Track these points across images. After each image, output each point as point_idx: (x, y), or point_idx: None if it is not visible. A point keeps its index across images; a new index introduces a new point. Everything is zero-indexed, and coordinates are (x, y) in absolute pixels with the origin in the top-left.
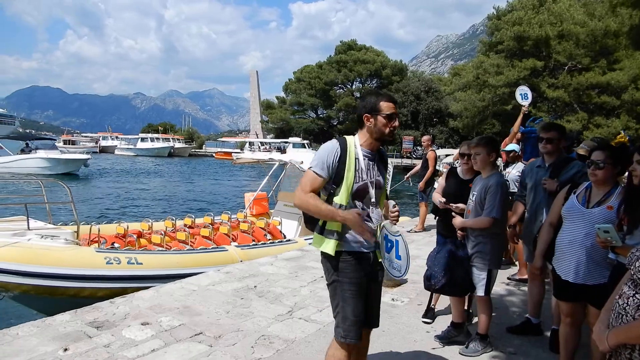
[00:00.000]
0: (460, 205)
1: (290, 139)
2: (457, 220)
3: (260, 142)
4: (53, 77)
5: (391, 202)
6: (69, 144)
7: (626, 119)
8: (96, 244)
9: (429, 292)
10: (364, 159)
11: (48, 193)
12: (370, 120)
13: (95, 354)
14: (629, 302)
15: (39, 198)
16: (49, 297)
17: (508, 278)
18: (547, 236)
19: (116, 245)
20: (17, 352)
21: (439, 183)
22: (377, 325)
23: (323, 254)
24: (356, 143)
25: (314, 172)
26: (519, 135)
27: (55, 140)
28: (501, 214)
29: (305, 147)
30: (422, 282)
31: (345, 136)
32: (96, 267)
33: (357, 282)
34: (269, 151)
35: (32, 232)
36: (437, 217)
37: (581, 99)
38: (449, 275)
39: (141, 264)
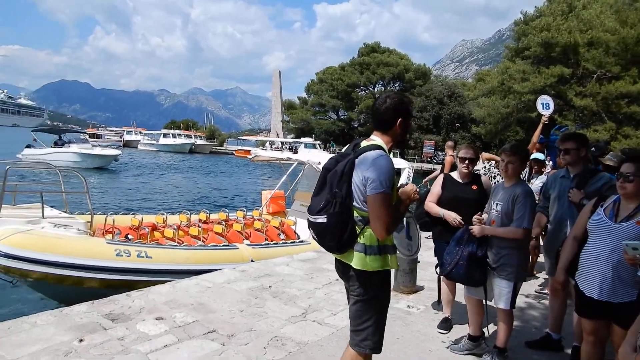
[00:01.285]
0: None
1: (302, 139)
2: (486, 229)
3: (281, 142)
4: (82, 72)
5: (407, 185)
6: (94, 138)
7: None
8: (110, 235)
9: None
10: None
11: (71, 184)
12: (402, 124)
13: (110, 346)
14: None
15: (57, 187)
16: (61, 285)
17: (536, 291)
18: (570, 250)
19: (130, 236)
20: (34, 340)
21: (432, 191)
22: None
23: (362, 270)
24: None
25: (389, 193)
26: (538, 145)
27: (83, 133)
28: (531, 224)
29: (316, 147)
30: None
31: (379, 144)
32: (106, 259)
33: (390, 295)
34: (281, 150)
35: (46, 221)
36: (431, 230)
37: (610, 108)
38: (468, 255)
39: (150, 257)
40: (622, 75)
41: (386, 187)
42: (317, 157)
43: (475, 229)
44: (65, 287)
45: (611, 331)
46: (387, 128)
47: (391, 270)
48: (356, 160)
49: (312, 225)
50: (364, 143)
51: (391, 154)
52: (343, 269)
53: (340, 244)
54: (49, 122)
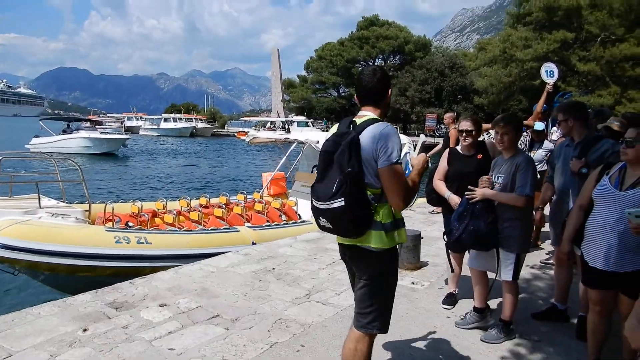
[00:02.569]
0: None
1: (295, 118)
2: (488, 191)
3: (282, 122)
4: (79, 58)
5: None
6: (95, 125)
7: None
8: (110, 223)
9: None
10: None
11: (72, 173)
12: (389, 96)
13: (114, 335)
14: None
15: (53, 177)
16: (63, 275)
17: (541, 262)
18: (576, 220)
19: (130, 224)
20: (38, 332)
21: (439, 167)
22: None
23: (379, 250)
24: None
25: (401, 163)
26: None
27: (83, 121)
28: (533, 192)
29: (309, 125)
30: (444, 265)
31: (376, 117)
32: (105, 246)
33: (398, 272)
34: (274, 130)
35: (43, 211)
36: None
37: (614, 71)
38: (472, 229)
39: (150, 243)
40: (626, 37)
41: (399, 156)
42: (315, 136)
43: (478, 191)
44: (68, 277)
45: (618, 301)
46: (379, 101)
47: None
48: (360, 136)
49: (323, 213)
50: (358, 120)
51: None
52: (352, 254)
53: (359, 225)
54: (49, 111)
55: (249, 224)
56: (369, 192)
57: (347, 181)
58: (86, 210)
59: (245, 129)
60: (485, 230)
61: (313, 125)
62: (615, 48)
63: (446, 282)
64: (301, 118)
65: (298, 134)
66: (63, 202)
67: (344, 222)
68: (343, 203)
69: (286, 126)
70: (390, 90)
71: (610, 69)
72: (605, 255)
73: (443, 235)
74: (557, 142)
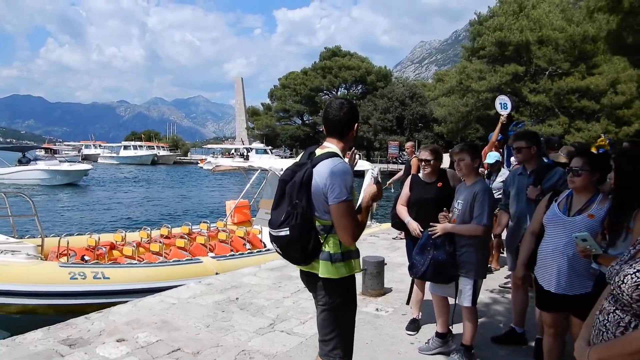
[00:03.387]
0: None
1: (253, 145)
2: (447, 226)
3: (246, 149)
4: (34, 86)
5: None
6: (50, 153)
7: (606, 123)
8: (65, 257)
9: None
10: None
11: (27, 204)
12: (355, 130)
13: None
14: (609, 319)
15: (2, 211)
16: (14, 315)
17: (500, 286)
18: (528, 245)
19: (86, 257)
20: None
21: (402, 193)
22: None
23: (329, 279)
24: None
25: (351, 200)
26: (496, 143)
27: (38, 149)
28: (491, 221)
29: (267, 152)
30: (408, 290)
31: (334, 150)
32: (59, 283)
33: (356, 300)
34: (232, 157)
35: None
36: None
37: (562, 103)
38: (432, 261)
39: (108, 278)
40: (571, 71)
41: (348, 195)
42: (279, 164)
43: (438, 227)
44: (20, 316)
45: (570, 323)
46: (345, 134)
47: (357, 274)
48: (313, 169)
49: (274, 239)
50: (318, 151)
51: (356, 157)
52: (308, 279)
53: (306, 255)
54: (1, 139)
55: (212, 254)
56: (318, 223)
57: (293, 213)
58: (38, 245)
59: (208, 156)
60: (446, 261)
61: (272, 152)
62: (561, 81)
63: (410, 306)
64: (260, 145)
65: (257, 160)
66: (13, 237)
67: (290, 251)
68: (288, 233)
69: (244, 154)
70: (357, 125)
71: (558, 100)
72: (557, 279)
73: (409, 270)
74: (512, 168)
